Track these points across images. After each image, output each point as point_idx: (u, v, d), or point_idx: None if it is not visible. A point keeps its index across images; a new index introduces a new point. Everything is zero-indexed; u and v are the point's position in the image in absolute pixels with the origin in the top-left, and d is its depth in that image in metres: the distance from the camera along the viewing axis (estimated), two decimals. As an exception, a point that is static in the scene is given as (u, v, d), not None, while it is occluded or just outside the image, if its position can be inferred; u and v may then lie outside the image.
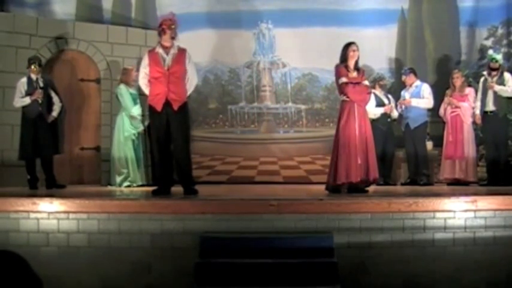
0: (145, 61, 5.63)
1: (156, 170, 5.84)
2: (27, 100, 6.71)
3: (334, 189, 5.82)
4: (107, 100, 8.02)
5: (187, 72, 5.64)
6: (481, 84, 7.39)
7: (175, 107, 5.51)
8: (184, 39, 5.76)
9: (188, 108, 5.77)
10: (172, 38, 5.63)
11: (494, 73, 7.24)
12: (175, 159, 5.62)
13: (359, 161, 5.70)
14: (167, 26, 5.59)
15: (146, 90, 5.66)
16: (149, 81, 5.57)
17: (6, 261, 1.87)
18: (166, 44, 5.61)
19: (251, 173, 8.72)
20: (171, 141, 5.58)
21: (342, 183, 5.76)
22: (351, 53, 5.89)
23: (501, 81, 7.17)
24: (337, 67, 5.95)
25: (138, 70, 7.56)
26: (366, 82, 6.00)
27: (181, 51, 5.65)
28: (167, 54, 5.58)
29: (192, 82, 5.74)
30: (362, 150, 5.75)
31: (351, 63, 5.90)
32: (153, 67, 5.55)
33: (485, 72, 7.45)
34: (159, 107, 5.49)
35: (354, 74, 5.87)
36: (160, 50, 5.60)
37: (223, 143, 8.90)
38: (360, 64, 5.99)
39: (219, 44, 8.80)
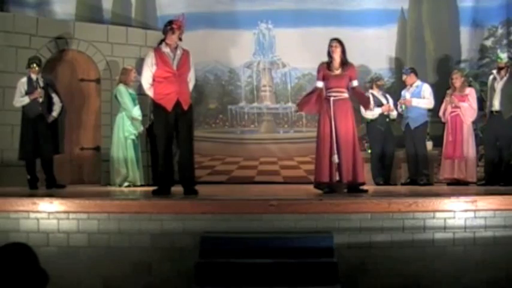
0: (152, 60, 5.51)
1: (158, 169, 5.79)
2: (26, 99, 6.71)
3: (317, 187, 5.86)
4: (107, 100, 8.02)
5: (189, 73, 5.69)
6: (489, 83, 7.38)
7: (185, 106, 5.53)
8: (185, 39, 5.74)
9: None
10: (180, 40, 5.61)
11: (502, 73, 7.21)
12: (179, 159, 5.62)
13: (336, 160, 5.65)
14: (178, 27, 5.55)
15: (150, 90, 5.58)
16: (154, 80, 5.53)
17: (17, 253, 1.92)
18: (173, 44, 5.57)
19: (251, 173, 8.71)
20: (173, 141, 5.58)
21: (317, 182, 5.81)
22: (330, 49, 5.90)
23: (509, 82, 7.13)
24: (318, 67, 6.02)
25: (138, 70, 7.62)
26: (356, 82, 5.92)
27: (186, 52, 5.65)
28: (174, 54, 5.56)
29: (192, 83, 5.78)
30: (339, 150, 5.68)
31: (335, 60, 5.88)
32: (161, 67, 5.49)
33: (494, 71, 7.43)
34: (169, 107, 5.46)
35: (338, 71, 5.84)
36: (167, 50, 5.55)
37: (223, 143, 8.89)
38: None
39: (219, 44, 8.79)
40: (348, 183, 5.73)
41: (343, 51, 5.89)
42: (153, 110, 5.72)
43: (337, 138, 5.70)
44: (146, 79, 5.57)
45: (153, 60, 5.51)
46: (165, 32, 5.61)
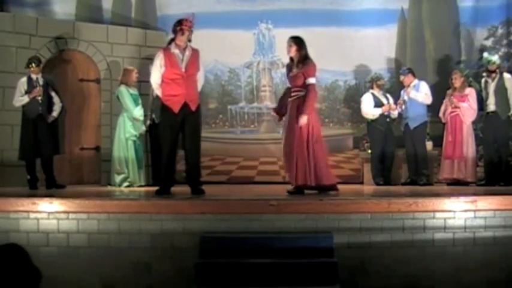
0: (161, 61, 5.51)
1: (162, 170, 5.72)
2: (25, 99, 6.71)
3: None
4: (107, 100, 8.02)
5: (198, 73, 5.68)
6: (483, 86, 7.40)
7: (193, 107, 5.54)
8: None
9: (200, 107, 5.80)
10: (189, 41, 5.57)
11: (493, 75, 7.23)
12: (186, 159, 5.61)
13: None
14: (187, 27, 5.51)
15: (158, 90, 5.59)
16: (163, 81, 5.52)
17: (9, 254, 1.94)
18: (182, 44, 5.54)
19: (251, 173, 8.71)
20: (178, 142, 5.58)
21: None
22: (287, 49, 5.83)
23: (501, 83, 7.16)
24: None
25: (139, 71, 7.63)
26: (311, 80, 5.67)
27: (195, 52, 5.62)
28: (183, 55, 5.53)
29: (201, 81, 5.78)
30: (285, 150, 5.67)
31: (294, 59, 5.76)
32: (169, 69, 5.48)
33: (484, 74, 7.45)
34: (176, 109, 5.46)
35: (296, 70, 5.73)
36: (176, 51, 5.52)
37: (223, 143, 8.89)
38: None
39: (219, 44, 8.78)
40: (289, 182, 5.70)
41: (300, 49, 5.72)
42: (160, 110, 5.70)
43: (286, 138, 5.67)
44: (155, 79, 5.58)
45: (162, 62, 5.50)
46: (174, 32, 5.57)
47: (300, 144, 5.56)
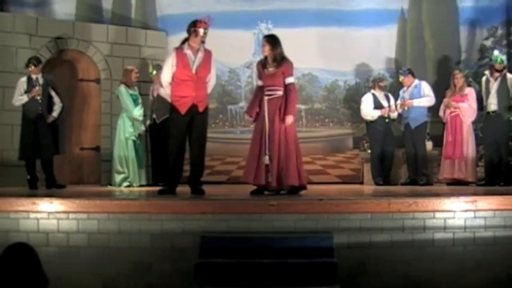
0: (173, 60, 5.49)
1: (169, 169, 5.63)
2: (25, 98, 6.71)
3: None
4: (107, 100, 8.03)
5: (209, 75, 5.65)
6: (483, 84, 7.39)
7: (201, 108, 5.53)
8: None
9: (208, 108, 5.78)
10: (202, 42, 5.55)
11: (497, 74, 7.22)
12: (191, 158, 5.60)
13: (266, 161, 5.48)
14: (203, 29, 5.48)
15: (168, 88, 5.56)
16: (173, 81, 5.51)
17: (22, 255, 1.94)
18: (196, 45, 5.51)
19: (251, 173, 8.70)
20: (186, 142, 5.57)
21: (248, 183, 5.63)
22: (261, 49, 5.78)
23: (504, 83, 7.15)
24: (256, 65, 5.91)
25: (139, 71, 7.64)
26: (290, 79, 5.62)
27: (208, 54, 5.60)
28: (195, 56, 5.51)
29: (212, 83, 5.76)
30: (271, 151, 5.49)
31: (268, 58, 5.66)
32: (180, 69, 5.46)
33: (487, 72, 7.43)
34: (183, 111, 5.45)
35: (272, 68, 5.62)
36: (188, 52, 5.49)
37: (223, 143, 8.89)
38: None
39: (219, 44, 8.73)
40: (278, 185, 5.54)
41: (274, 48, 5.62)
42: (170, 110, 5.69)
43: (270, 138, 5.52)
44: (165, 77, 5.57)
45: (174, 61, 5.48)
46: (188, 33, 5.54)
47: (289, 144, 5.52)
